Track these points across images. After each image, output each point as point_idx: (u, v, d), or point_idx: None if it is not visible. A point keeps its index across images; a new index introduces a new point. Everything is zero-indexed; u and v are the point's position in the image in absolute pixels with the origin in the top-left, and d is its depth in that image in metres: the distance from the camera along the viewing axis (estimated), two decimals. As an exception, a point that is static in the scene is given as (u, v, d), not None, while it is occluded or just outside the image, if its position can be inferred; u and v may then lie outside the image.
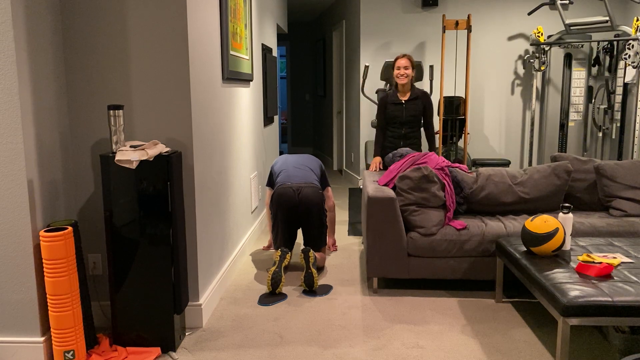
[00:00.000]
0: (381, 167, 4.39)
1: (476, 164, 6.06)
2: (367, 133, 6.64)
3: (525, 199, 3.50)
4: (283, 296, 3.30)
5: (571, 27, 5.71)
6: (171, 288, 2.56)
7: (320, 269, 3.80)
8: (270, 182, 4.08)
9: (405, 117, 4.25)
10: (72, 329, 2.36)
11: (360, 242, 4.52)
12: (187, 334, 2.80)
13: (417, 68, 5.38)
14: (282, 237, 3.73)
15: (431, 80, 5.73)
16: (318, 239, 3.76)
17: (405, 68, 4.14)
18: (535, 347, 2.64)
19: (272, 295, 3.29)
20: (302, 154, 4.19)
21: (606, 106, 6.08)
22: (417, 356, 2.55)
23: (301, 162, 4.01)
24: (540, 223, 2.75)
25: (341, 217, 5.34)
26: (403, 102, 4.24)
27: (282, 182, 3.76)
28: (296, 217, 3.71)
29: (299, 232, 4.68)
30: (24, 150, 2.31)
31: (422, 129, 4.37)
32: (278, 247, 3.75)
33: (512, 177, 3.56)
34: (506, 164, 6.05)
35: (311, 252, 3.41)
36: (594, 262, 2.56)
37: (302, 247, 3.58)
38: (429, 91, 6.04)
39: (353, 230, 4.85)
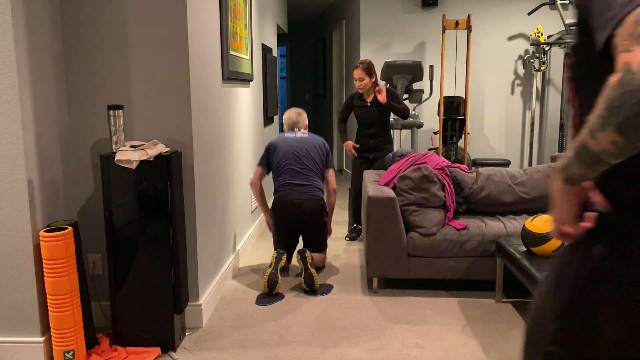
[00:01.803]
0: (355, 147, 4.56)
1: (476, 164, 6.06)
2: (367, 133, 6.64)
3: (525, 199, 3.50)
4: (280, 296, 3.30)
5: (571, 27, 5.71)
6: (171, 288, 2.56)
7: (320, 269, 3.80)
8: (264, 163, 3.85)
9: (372, 117, 4.41)
10: (72, 329, 2.36)
11: (360, 242, 4.52)
12: (187, 334, 2.80)
13: (417, 68, 5.39)
14: (283, 243, 3.75)
15: (431, 80, 5.73)
16: (317, 244, 3.77)
17: (360, 79, 4.29)
18: (535, 347, 2.63)
19: (270, 296, 3.29)
20: (304, 138, 3.85)
21: (606, 106, 6.08)
22: (417, 356, 2.55)
23: (304, 156, 3.77)
24: (540, 223, 2.75)
25: (341, 217, 5.34)
26: (368, 104, 4.40)
27: (284, 195, 3.69)
28: (296, 227, 3.73)
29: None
30: (24, 150, 2.31)
31: (389, 128, 4.52)
32: (276, 249, 3.75)
33: (512, 177, 3.56)
34: (506, 164, 6.05)
35: (307, 252, 3.41)
36: (594, 262, 2.55)
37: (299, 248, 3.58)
38: (428, 91, 6.03)
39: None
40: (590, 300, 0.92)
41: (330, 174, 3.97)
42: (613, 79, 0.80)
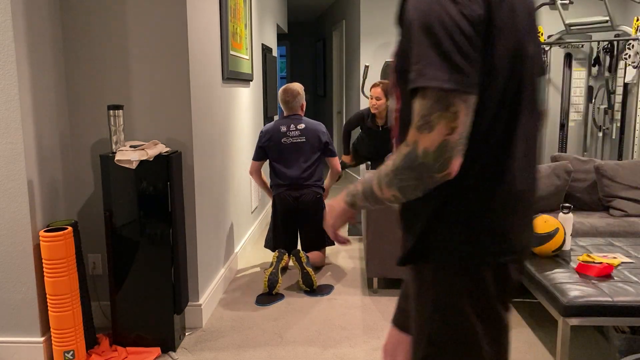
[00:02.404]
0: (354, 163, 4.66)
1: (476, 164, 6.06)
2: (367, 133, 6.63)
3: (526, 199, 3.50)
4: (280, 296, 3.29)
5: (571, 27, 5.71)
6: (171, 288, 2.55)
7: (319, 268, 3.80)
8: (260, 157, 3.74)
9: (380, 143, 4.36)
10: (72, 329, 2.36)
11: (359, 242, 4.52)
12: (187, 334, 2.80)
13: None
14: (281, 238, 3.74)
15: (431, 80, 5.72)
16: (316, 241, 3.76)
17: (377, 99, 4.18)
18: (535, 347, 2.63)
19: (270, 296, 3.29)
20: (301, 143, 3.68)
21: (606, 106, 6.08)
22: (417, 356, 2.55)
23: (302, 163, 3.69)
24: (540, 223, 2.75)
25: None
26: (379, 128, 4.34)
27: (282, 192, 3.68)
28: (294, 220, 3.73)
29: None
30: (24, 150, 2.30)
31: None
32: (275, 248, 3.74)
33: (512, 177, 3.55)
34: (506, 164, 6.04)
35: (301, 252, 3.41)
36: (594, 262, 2.56)
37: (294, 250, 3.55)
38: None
39: (353, 230, 4.84)
40: (451, 299, 1.08)
41: (334, 162, 3.81)
42: (403, 150, 0.98)
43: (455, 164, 0.96)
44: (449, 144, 0.93)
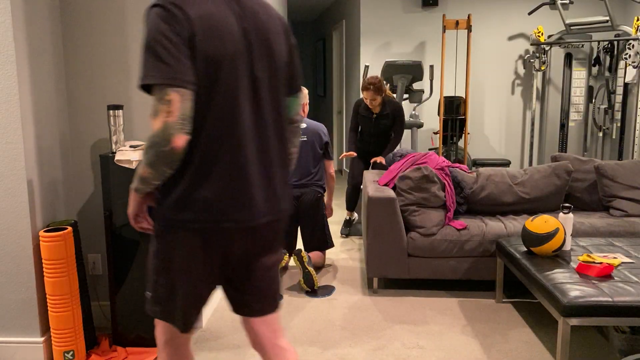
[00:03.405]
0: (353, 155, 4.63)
1: (476, 164, 6.06)
2: (367, 133, 6.63)
3: (526, 199, 3.50)
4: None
5: (571, 27, 5.71)
6: (171, 288, 2.55)
7: (319, 268, 3.80)
8: None
9: (375, 131, 4.48)
10: (72, 329, 2.36)
11: (360, 242, 4.52)
12: (187, 334, 2.80)
13: (417, 68, 5.38)
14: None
15: (431, 80, 5.73)
16: (318, 241, 3.76)
17: (373, 99, 4.30)
18: (535, 347, 2.63)
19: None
20: (303, 141, 3.73)
21: (606, 106, 6.08)
22: (417, 356, 2.55)
23: (304, 161, 3.74)
24: (540, 223, 2.75)
25: (342, 217, 5.34)
26: (374, 116, 4.44)
27: None
28: (294, 220, 3.72)
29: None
30: (24, 150, 2.30)
31: (391, 138, 4.59)
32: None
33: (512, 177, 3.56)
34: (506, 164, 6.05)
35: (303, 252, 3.40)
36: (594, 262, 2.56)
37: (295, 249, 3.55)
38: (428, 91, 6.03)
39: (353, 230, 4.84)
40: (165, 246, 1.47)
41: (328, 164, 3.91)
42: (148, 135, 1.34)
43: (178, 141, 1.30)
44: (168, 124, 1.29)
